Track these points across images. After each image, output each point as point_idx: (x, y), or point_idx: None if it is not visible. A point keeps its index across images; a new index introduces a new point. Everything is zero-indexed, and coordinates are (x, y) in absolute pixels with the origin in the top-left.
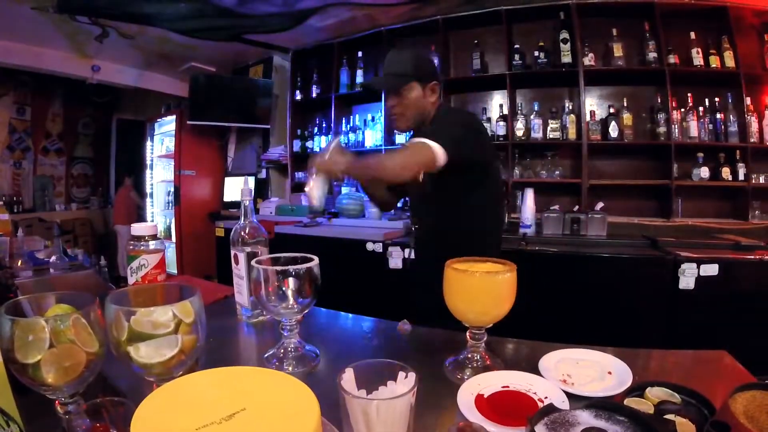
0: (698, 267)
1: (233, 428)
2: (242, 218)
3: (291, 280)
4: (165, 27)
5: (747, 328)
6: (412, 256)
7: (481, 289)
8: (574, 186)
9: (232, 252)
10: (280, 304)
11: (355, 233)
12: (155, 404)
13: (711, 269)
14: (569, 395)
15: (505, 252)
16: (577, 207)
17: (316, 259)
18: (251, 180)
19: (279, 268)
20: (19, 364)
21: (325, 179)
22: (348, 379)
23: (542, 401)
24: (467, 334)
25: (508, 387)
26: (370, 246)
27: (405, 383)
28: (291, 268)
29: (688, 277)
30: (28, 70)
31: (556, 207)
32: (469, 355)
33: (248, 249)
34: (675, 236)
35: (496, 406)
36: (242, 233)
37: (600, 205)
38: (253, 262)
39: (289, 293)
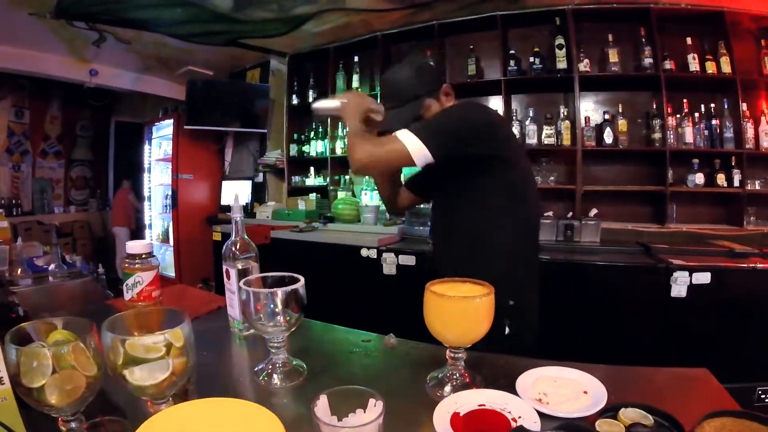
0: (690, 275)
1: None
2: (233, 234)
3: (278, 301)
4: (162, 32)
5: (739, 337)
6: (408, 262)
7: (457, 312)
8: (568, 192)
9: (224, 267)
10: (267, 323)
11: (350, 239)
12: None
13: (703, 277)
14: (543, 415)
15: None
16: (571, 213)
17: (302, 280)
18: (248, 184)
19: (265, 290)
20: (24, 387)
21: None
22: (322, 405)
23: (515, 421)
24: (447, 353)
25: (484, 405)
26: (364, 252)
27: (374, 411)
28: (278, 290)
29: (680, 285)
30: (26, 74)
31: (550, 213)
32: (449, 373)
33: (239, 265)
34: (669, 242)
35: (470, 424)
36: (233, 249)
37: (594, 211)
38: (241, 283)
39: (276, 312)
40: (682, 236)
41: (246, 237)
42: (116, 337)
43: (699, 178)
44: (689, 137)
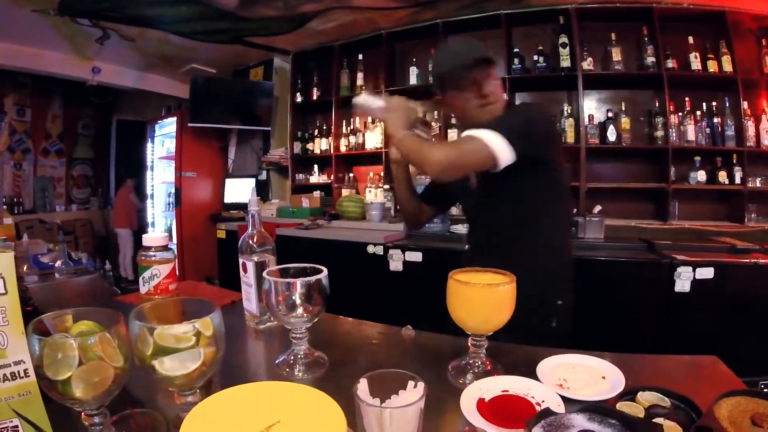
0: (694, 270)
1: None
2: (250, 227)
3: (301, 291)
4: (166, 29)
5: (742, 331)
6: (414, 258)
7: (481, 300)
8: (572, 189)
9: (241, 260)
10: (290, 314)
11: (356, 236)
12: (198, 420)
13: (707, 272)
14: (565, 399)
15: None
16: (575, 210)
17: (325, 270)
18: (251, 182)
19: (290, 280)
20: (48, 380)
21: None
22: (362, 389)
23: (539, 405)
24: (469, 341)
25: (507, 391)
26: (371, 248)
27: (415, 392)
28: (301, 280)
29: (683, 280)
30: (28, 72)
31: None
32: (471, 361)
33: (256, 258)
34: (672, 239)
35: (496, 409)
36: (250, 242)
37: (598, 208)
38: (264, 274)
39: (299, 303)
40: (685, 233)
41: (263, 230)
42: (145, 326)
43: (701, 176)
44: (691, 135)
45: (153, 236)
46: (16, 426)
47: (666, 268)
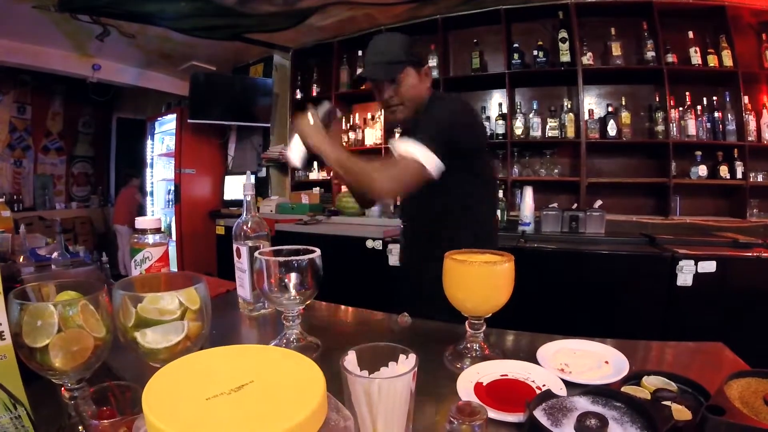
0: (696, 264)
1: (242, 398)
2: (244, 213)
3: (294, 272)
4: (166, 26)
5: (744, 324)
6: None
7: (479, 278)
8: (572, 184)
9: (235, 246)
10: (282, 296)
11: (355, 231)
12: (166, 377)
13: (709, 266)
14: (567, 383)
15: (504, 249)
16: (575, 205)
17: (318, 251)
18: (251, 178)
19: (282, 259)
20: (26, 348)
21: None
22: (350, 360)
23: (540, 389)
24: (466, 323)
25: (506, 375)
26: (369, 243)
27: (406, 363)
28: (293, 259)
29: (686, 274)
30: (28, 69)
31: (555, 205)
32: (468, 345)
33: (250, 243)
34: (673, 234)
35: (494, 393)
36: (245, 227)
37: (599, 203)
38: (256, 254)
39: (291, 284)
40: (686, 228)
41: (259, 216)
42: (127, 294)
43: (702, 171)
44: (692, 130)
45: (146, 219)
46: None
47: (668, 261)
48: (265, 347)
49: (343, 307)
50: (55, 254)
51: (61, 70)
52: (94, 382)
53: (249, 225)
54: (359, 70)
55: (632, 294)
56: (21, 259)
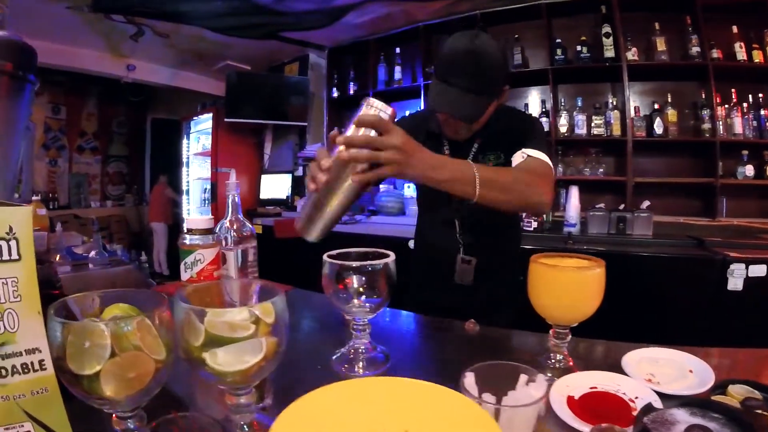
0: (747, 268)
1: None
2: (229, 214)
3: (365, 277)
4: (200, 25)
5: None
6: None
7: (570, 284)
8: (617, 184)
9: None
10: (351, 303)
11: (396, 231)
12: (293, 424)
13: (759, 270)
14: (658, 394)
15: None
16: (622, 205)
17: (392, 255)
18: (287, 177)
19: (354, 264)
20: (71, 374)
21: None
22: (470, 383)
23: (633, 401)
24: (550, 332)
25: (596, 388)
26: (412, 244)
27: (534, 387)
28: (367, 263)
29: (736, 278)
30: (62, 70)
31: (602, 205)
32: (552, 355)
33: (242, 247)
34: (720, 236)
35: (588, 407)
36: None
37: (646, 203)
38: (324, 257)
39: (362, 291)
40: (733, 230)
41: (240, 217)
42: (194, 309)
43: (749, 170)
44: (738, 128)
45: (197, 218)
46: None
47: (718, 265)
48: (414, 382)
49: (403, 312)
50: (92, 253)
51: (95, 71)
52: (149, 408)
53: (235, 227)
54: (397, 69)
55: (681, 299)
56: (57, 258)
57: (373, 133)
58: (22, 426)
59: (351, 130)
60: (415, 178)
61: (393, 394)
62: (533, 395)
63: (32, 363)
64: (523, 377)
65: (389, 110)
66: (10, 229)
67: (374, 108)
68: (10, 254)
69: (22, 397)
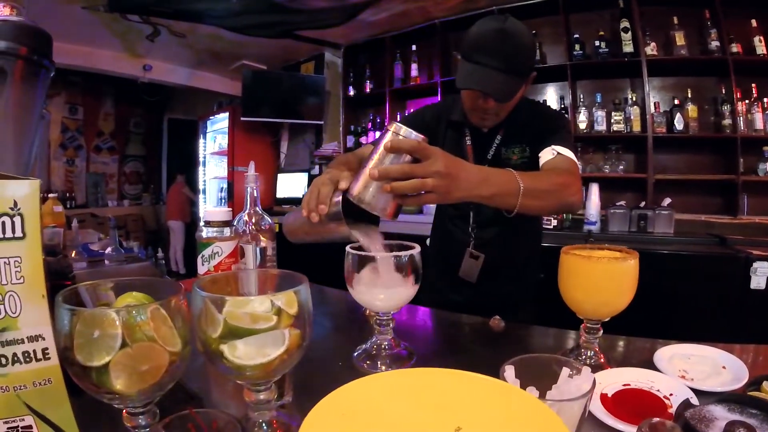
0: None
1: None
2: (248, 206)
3: (390, 269)
4: (216, 24)
5: None
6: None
7: (605, 276)
8: (638, 181)
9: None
10: (376, 297)
11: (414, 228)
12: (327, 420)
13: None
14: (694, 391)
15: None
16: (643, 203)
17: (418, 247)
18: (304, 176)
19: (379, 254)
20: (79, 366)
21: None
22: (509, 376)
23: (668, 398)
24: (581, 327)
25: (629, 385)
26: (428, 242)
27: (581, 380)
28: (391, 255)
29: (759, 277)
30: (79, 70)
31: (623, 203)
32: (582, 351)
33: (263, 243)
34: (742, 234)
35: (622, 404)
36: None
37: (667, 200)
38: (347, 248)
39: (387, 284)
40: (755, 228)
41: (259, 209)
42: (212, 297)
43: None
44: (759, 123)
45: (215, 210)
46: (30, 426)
47: (741, 263)
48: (463, 373)
49: (423, 308)
50: (108, 249)
51: (112, 71)
52: (162, 404)
53: (254, 220)
54: (413, 66)
55: (704, 297)
56: (73, 254)
57: (407, 158)
58: (23, 420)
59: (383, 157)
60: (461, 199)
61: (441, 387)
62: (581, 388)
63: (35, 351)
64: (565, 370)
65: (420, 136)
66: (15, 204)
67: (404, 133)
68: (13, 231)
69: (23, 388)
